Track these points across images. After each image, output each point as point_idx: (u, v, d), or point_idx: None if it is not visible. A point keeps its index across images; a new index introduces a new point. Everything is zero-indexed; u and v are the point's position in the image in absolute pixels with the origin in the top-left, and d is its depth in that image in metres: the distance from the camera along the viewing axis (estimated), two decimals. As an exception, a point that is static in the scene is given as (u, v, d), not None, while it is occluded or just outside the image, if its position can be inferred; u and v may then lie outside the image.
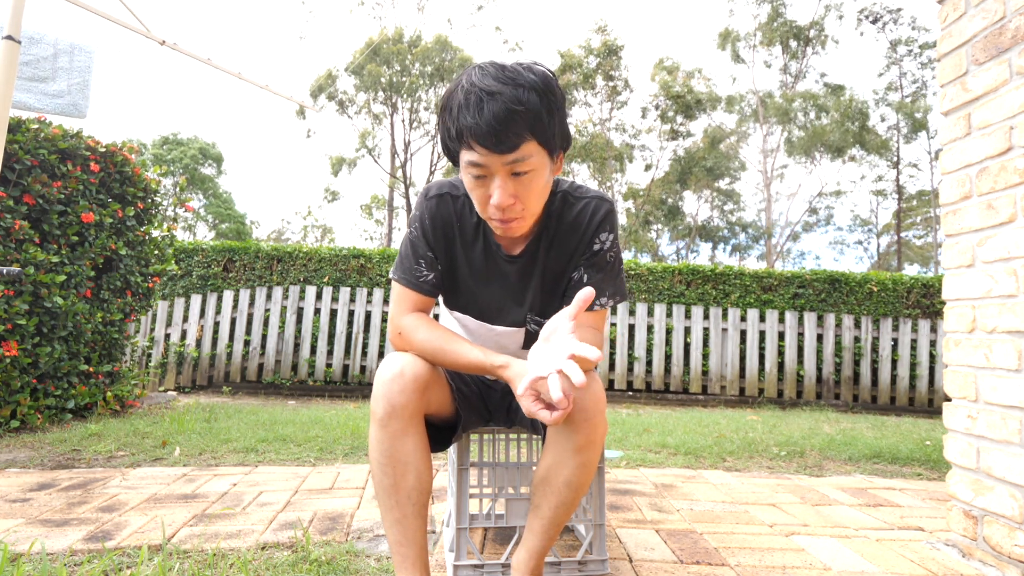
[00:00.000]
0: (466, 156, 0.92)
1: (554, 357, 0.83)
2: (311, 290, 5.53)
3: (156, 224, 3.70)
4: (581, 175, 22.70)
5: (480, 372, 1.02)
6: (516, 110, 0.87)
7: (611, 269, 1.12)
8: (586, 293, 0.80)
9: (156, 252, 3.72)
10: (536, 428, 1.20)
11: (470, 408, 1.20)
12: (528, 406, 0.87)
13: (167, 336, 5.46)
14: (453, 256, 1.12)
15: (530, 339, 1.19)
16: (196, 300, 5.49)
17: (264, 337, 5.50)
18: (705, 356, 5.73)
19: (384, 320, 5.60)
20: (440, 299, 1.21)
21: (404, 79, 20.83)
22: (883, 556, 1.43)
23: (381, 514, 1.02)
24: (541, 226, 1.09)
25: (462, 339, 1.04)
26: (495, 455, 1.41)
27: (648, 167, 23.51)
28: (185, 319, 5.52)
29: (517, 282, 1.12)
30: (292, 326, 5.49)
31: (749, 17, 30.25)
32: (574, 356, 0.80)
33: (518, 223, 0.98)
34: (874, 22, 21.58)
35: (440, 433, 1.16)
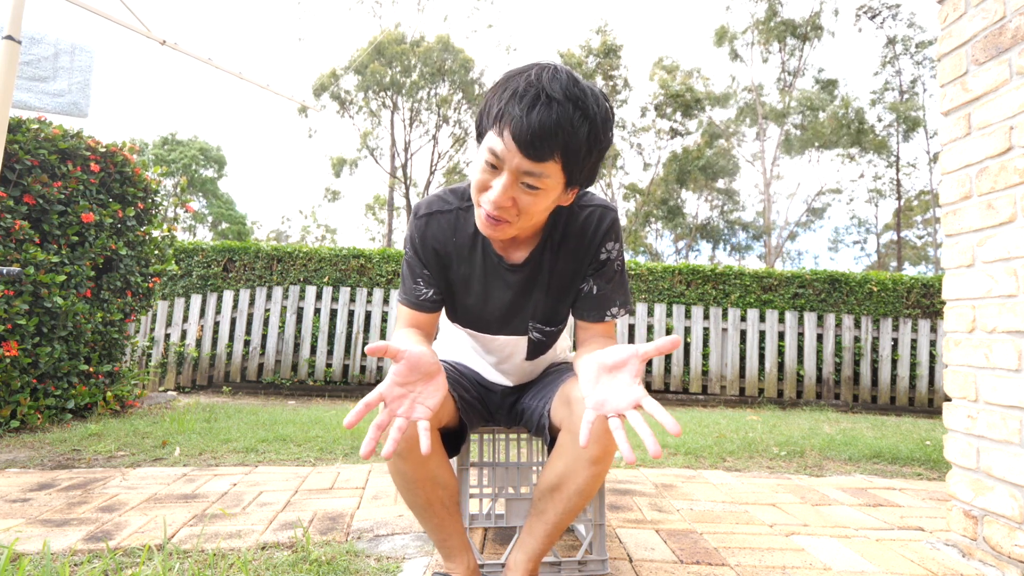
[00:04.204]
0: (491, 140, 0.87)
1: (620, 396, 0.78)
2: (311, 290, 5.53)
3: (156, 224, 3.70)
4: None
5: None
6: (563, 128, 0.83)
7: (619, 279, 1.11)
8: (673, 340, 0.73)
9: (156, 252, 3.72)
10: (539, 431, 1.19)
11: (473, 414, 1.21)
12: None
13: (167, 336, 5.46)
14: (451, 271, 1.10)
15: (533, 347, 1.19)
16: (196, 300, 5.49)
17: (264, 337, 5.50)
18: (705, 356, 5.73)
19: (384, 320, 5.61)
20: (443, 312, 1.20)
21: (405, 79, 20.83)
22: (883, 556, 1.43)
23: (418, 520, 1.07)
24: (545, 234, 1.07)
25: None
26: (495, 455, 1.41)
27: (647, 166, 23.51)
28: (185, 319, 5.52)
29: (520, 291, 1.10)
30: (292, 326, 5.48)
31: (746, 14, 30.21)
32: (641, 407, 0.76)
33: (504, 227, 0.93)
34: (872, 18, 21.53)
35: (448, 440, 1.16)
